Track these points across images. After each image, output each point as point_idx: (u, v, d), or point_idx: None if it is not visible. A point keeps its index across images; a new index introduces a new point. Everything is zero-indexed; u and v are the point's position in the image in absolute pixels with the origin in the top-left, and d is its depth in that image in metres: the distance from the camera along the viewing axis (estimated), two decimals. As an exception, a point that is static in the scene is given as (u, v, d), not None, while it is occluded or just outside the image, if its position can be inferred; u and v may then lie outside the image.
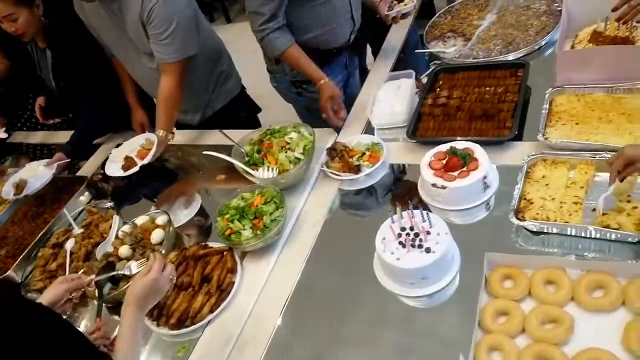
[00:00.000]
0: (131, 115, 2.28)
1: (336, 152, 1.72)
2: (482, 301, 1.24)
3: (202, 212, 1.95)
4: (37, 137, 2.76)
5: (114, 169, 1.98)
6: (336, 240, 1.60)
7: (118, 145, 2.22)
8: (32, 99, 2.56)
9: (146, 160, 1.92)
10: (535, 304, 1.20)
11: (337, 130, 1.95)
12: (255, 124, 2.44)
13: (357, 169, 1.68)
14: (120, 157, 2.00)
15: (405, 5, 2.00)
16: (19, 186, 2.13)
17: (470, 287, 1.28)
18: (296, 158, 1.71)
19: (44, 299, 1.38)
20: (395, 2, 2.00)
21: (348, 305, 1.40)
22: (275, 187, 1.67)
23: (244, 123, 2.30)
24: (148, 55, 2.00)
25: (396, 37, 2.32)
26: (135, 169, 1.92)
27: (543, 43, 1.94)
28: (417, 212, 1.37)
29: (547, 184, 1.42)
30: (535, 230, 1.34)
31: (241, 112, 2.39)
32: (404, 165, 1.77)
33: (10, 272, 1.83)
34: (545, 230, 1.32)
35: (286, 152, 1.73)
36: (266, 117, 2.48)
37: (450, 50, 2.04)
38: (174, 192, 1.99)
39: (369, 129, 1.92)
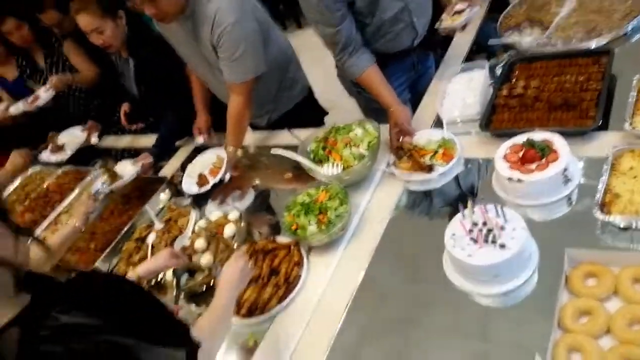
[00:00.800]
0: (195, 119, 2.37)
1: (404, 152, 1.68)
2: (562, 300, 1.15)
3: (270, 209, 2.01)
4: (123, 142, 2.96)
5: (189, 185, 2.08)
6: (403, 237, 1.57)
7: (187, 158, 2.35)
8: (117, 106, 2.76)
9: (217, 179, 2.00)
10: (622, 303, 1.10)
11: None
12: (321, 126, 2.45)
13: (429, 169, 1.63)
14: (194, 173, 2.10)
15: (454, 21, 1.85)
16: (111, 178, 2.29)
17: (549, 286, 1.20)
18: (360, 154, 1.69)
19: (151, 264, 1.52)
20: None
21: (416, 303, 1.37)
22: (339, 183, 1.67)
23: (310, 125, 2.33)
24: (219, 69, 2.07)
25: (468, 29, 2.24)
26: (208, 186, 2.01)
27: (629, 29, 1.78)
28: (490, 206, 1.31)
29: (635, 176, 1.30)
30: (622, 225, 1.23)
31: (307, 115, 2.40)
32: (476, 160, 1.70)
33: (97, 264, 1.98)
34: (634, 226, 1.21)
35: (350, 149, 1.72)
36: (334, 120, 2.48)
37: (526, 40, 1.94)
38: (229, 187, 2.06)
39: (437, 124, 1.86)
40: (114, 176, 2.26)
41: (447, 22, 1.83)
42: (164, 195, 2.26)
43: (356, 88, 2.18)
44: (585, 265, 1.18)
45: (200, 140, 2.30)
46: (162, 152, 2.44)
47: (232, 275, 1.34)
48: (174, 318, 1.06)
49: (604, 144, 1.45)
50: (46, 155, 2.97)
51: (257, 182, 2.15)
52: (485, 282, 1.26)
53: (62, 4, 2.60)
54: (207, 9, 1.86)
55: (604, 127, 1.51)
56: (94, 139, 2.86)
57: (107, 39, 2.20)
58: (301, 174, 1.99)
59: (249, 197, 2.05)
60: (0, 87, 3.07)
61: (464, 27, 1.88)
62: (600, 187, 1.30)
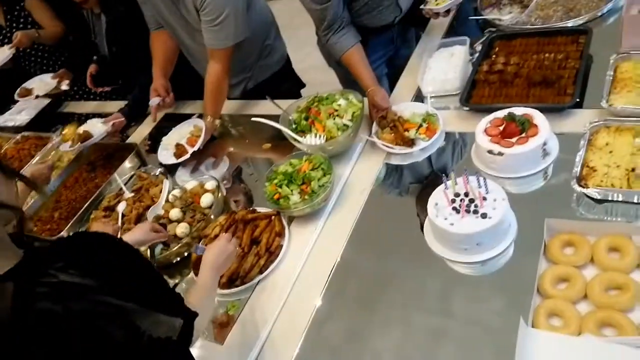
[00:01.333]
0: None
1: (387, 122, 1.68)
2: (541, 268, 1.20)
3: (247, 179, 1.99)
4: (88, 107, 2.83)
5: (166, 156, 2.01)
6: (384, 208, 1.59)
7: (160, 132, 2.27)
8: (85, 66, 2.63)
9: (196, 147, 1.94)
10: (598, 271, 1.15)
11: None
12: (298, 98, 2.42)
13: (411, 143, 1.64)
14: (171, 144, 2.03)
15: (438, 4, 1.83)
16: (80, 137, 2.21)
17: (527, 254, 1.24)
18: (344, 125, 1.68)
19: (130, 237, 1.46)
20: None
21: (398, 271, 1.39)
22: (322, 154, 1.65)
23: (287, 97, 2.29)
24: (200, 31, 1.99)
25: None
26: (187, 156, 1.95)
27: (606, 10, 1.84)
28: (472, 177, 1.33)
29: (610, 151, 1.35)
30: (599, 197, 1.27)
31: (284, 85, 2.36)
32: (456, 133, 1.72)
33: (63, 233, 1.90)
34: (610, 198, 1.26)
35: (334, 119, 1.70)
36: (311, 91, 2.45)
37: (506, 17, 1.96)
38: (203, 154, 2.03)
39: (417, 98, 1.87)
40: (83, 135, 2.18)
41: (431, 4, 1.82)
42: (129, 164, 2.19)
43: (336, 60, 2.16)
44: (563, 235, 1.23)
45: (155, 101, 2.19)
46: (134, 113, 2.35)
47: (218, 256, 1.32)
48: (169, 287, 1.03)
49: (581, 120, 1.49)
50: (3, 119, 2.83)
51: (231, 149, 2.11)
52: (467, 250, 1.29)
53: None
54: None
55: (580, 104, 1.56)
56: (64, 86, 2.73)
57: None
58: (279, 145, 1.98)
59: (223, 166, 2.02)
60: None
61: (447, 12, 1.87)
62: (578, 160, 1.34)
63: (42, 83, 2.75)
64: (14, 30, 2.72)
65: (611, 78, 1.52)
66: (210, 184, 1.83)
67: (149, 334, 0.92)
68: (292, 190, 1.59)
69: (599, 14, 1.83)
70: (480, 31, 2.03)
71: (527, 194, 1.43)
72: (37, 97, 2.72)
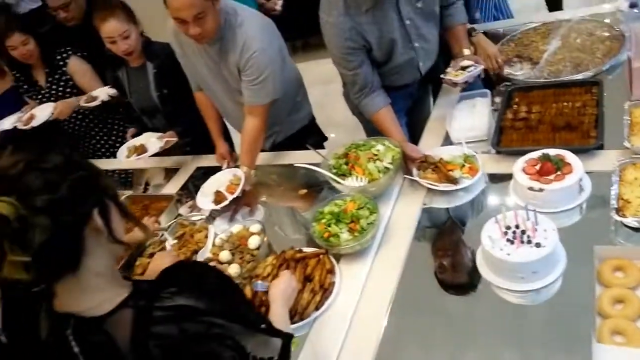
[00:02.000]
0: (215, 148, 2.40)
1: (428, 164, 1.80)
2: (596, 291, 1.29)
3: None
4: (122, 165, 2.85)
5: (205, 203, 2.08)
6: (434, 242, 1.67)
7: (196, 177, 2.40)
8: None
9: (235, 195, 2.02)
10: (650, 292, 1.25)
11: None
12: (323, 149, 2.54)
13: (456, 181, 1.74)
14: (210, 191, 2.10)
15: (463, 73, 1.93)
16: (137, 149, 2.33)
17: (580, 280, 1.33)
18: (385, 167, 1.80)
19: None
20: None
21: (455, 303, 1.46)
22: (365, 195, 1.75)
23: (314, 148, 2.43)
24: (239, 91, 2.14)
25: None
26: (226, 202, 2.02)
27: (609, 65, 2.05)
28: (520, 211, 1.44)
29: (640, 185, 1.49)
30: (637, 226, 1.39)
31: (310, 139, 2.49)
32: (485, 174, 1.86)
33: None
34: (646, 226, 1.38)
35: (375, 163, 1.82)
36: (331, 146, 2.59)
37: (518, 72, 2.16)
38: (239, 204, 2.09)
39: (445, 144, 2.02)
40: (141, 149, 2.32)
41: (450, 75, 1.97)
42: (170, 214, 2.24)
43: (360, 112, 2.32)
44: (611, 261, 1.33)
45: (225, 165, 2.31)
46: (187, 134, 2.45)
47: (285, 290, 1.39)
48: (260, 312, 1.08)
49: (605, 159, 1.64)
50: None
51: (263, 198, 2.19)
52: (523, 278, 1.37)
53: None
54: (237, 35, 1.96)
55: (602, 146, 1.71)
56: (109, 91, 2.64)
57: (132, 43, 2.25)
58: (312, 192, 2.09)
59: (258, 214, 2.09)
60: None
61: (465, 82, 1.99)
62: (614, 194, 1.47)
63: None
64: (53, 92, 2.80)
65: (629, 122, 1.69)
66: (254, 227, 1.89)
67: (254, 354, 0.97)
68: (340, 229, 1.67)
69: (604, 68, 2.04)
70: (489, 85, 2.22)
71: (567, 226, 1.54)
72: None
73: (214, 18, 1.90)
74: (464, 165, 1.77)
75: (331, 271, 1.63)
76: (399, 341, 1.41)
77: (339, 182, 1.81)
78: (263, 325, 1.01)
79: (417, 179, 1.81)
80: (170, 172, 2.58)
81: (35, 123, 2.65)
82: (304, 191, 2.11)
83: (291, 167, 2.29)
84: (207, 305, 0.91)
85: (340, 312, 1.52)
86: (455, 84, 2.01)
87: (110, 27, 2.19)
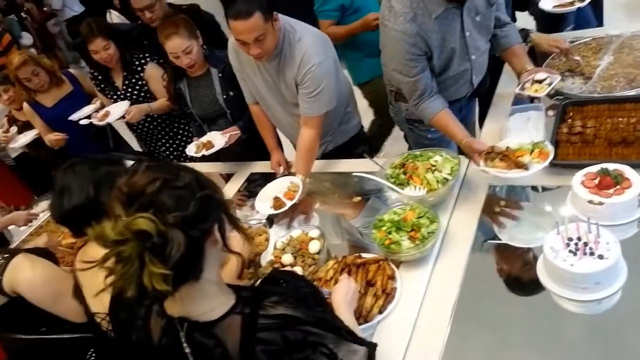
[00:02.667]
0: (271, 156, 2.52)
1: (495, 154, 1.82)
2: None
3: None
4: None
5: (264, 208, 2.17)
6: (493, 251, 1.73)
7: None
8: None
9: (294, 201, 2.11)
10: None
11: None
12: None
13: (525, 167, 1.75)
14: (268, 197, 2.19)
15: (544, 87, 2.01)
16: (205, 145, 2.49)
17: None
18: (444, 178, 1.86)
19: None
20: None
21: (517, 311, 1.51)
22: (424, 204, 1.82)
23: (360, 157, 2.51)
24: (294, 104, 2.24)
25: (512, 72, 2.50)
26: (285, 208, 2.11)
27: (662, 81, 2.08)
28: (582, 224, 1.49)
29: (702, 201, 1.52)
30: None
31: (359, 148, 2.58)
32: (539, 187, 1.90)
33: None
34: None
35: (433, 173, 1.88)
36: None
37: (574, 87, 2.20)
38: (295, 211, 2.18)
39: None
40: (208, 145, 2.48)
41: (530, 91, 2.03)
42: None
43: (409, 125, 2.39)
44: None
45: (280, 172, 2.42)
46: (248, 129, 2.56)
47: (347, 294, 1.45)
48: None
49: (662, 175, 1.68)
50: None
51: (317, 205, 2.27)
52: (585, 289, 1.42)
53: None
54: (295, 50, 2.07)
55: (659, 161, 1.74)
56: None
57: (194, 57, 2.38)
58: (362, 200, 2.18)
59: (314, 221, 2.17)
60: (35, 113, 3.12)
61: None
62: (674, 208, 1.51)
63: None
64: (128, 94, 2.95)
65: (688, 139, 1.72)
66: (313, 232, 1.97)
67: None
68: (401, 237, 1.73)
69: (658, 84, 2.07)
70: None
71: (626, 239, 1.57)
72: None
73: (273, 38, 2.02)
74: (533, 151, 1.80)
75: (392, 277, 1.70)
76: (463, 349, 1.47)
77: (397, 191, 1.88)
78: (347, 333, 1.08)
79: (485, 168, 1.82)
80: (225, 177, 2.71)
81: (110, 119, 2.83)
82: (358, 198, 2.19)
83: (343, 175, 2.38)
84: (304, 315, 1.00)
85: (403, 317, 1.59)
86: (538, 99, 2.07)
87: (174, 45, 2.32)
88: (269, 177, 2.50)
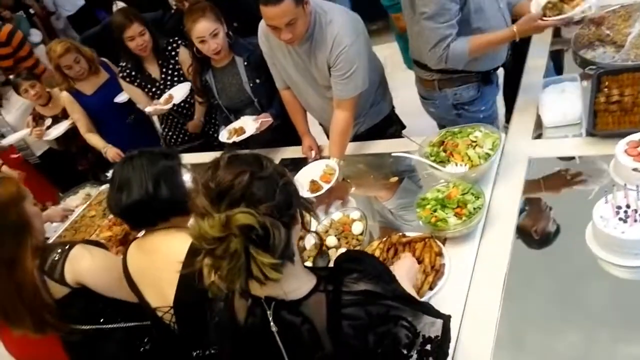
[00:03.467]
0: (302, 141, 2.53)
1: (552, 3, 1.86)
2: None
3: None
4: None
5: (301, 191, 2.18)
6: (538, 223, 1.75)
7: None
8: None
9: (331, 184, 2.13)
10: None
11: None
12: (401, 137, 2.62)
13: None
14: (304, 181, 2.19)
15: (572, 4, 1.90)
16: (237, 131, 2.52)
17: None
18: (486, 153, 1.87)
19: None
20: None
21: (568, 281, 1.53)
22: (467, 181, 1.83)
23: (394, 137, 2.53)
24: (326, 87, 2.24)
25: (539, 52, 2.49)
26: (322, 191, 2.12)
27: (695, 46, 2.06)
28: (630, 192, 1.50)
29: None
30: None
31: (391, 128, 2.59)
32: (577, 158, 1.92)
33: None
34: None
35: (474, 149, 1.89)
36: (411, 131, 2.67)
37: (606, 56, 2.19)
38: (331, 197, 2.19)
39: (536, 129, 2.07)
40: (240, 130, 2.51)
41: (552, 13, 1.91)
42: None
43: (457, 110, 2.33)
44: None
45: (312, 155, 2.45)
46: (280, 116, 2.57)
47: (409, 271, 1.49)
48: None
49: None
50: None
51: (353, 189, 2.29)
52: (637, 255, 1.44)
53: None
54: (327, 32, 2.06)
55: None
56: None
57: (220, 41, 2.39)
58: (398, 180, 2.21)
59: (351, 206, 2.18)
60: (76, 101, 3.13)
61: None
62: None
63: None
64: (168, 82, 2.95)
65: None
66: (355, 214, 2.00)
67: (423, 334, 1.07)
68: (447, 214, 1.75)
69: (692, 49, 2.06)
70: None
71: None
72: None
73: (304, 22, 2.02)
74: None
75: (440, 254, 1.72)
76: (518, 321, 1.50)
77: (439, 169, 1.90)
78: (422, 306, 1.10)
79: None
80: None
81: (175, 100, 2.82)
82: (395, 178, 2.21)
83: (378, 156, 2.39)
84: (384, 290, 1.03)
85: (454, 293, 1.61)
86: (572, 19, 1.97)
87: (202, 27, 2.33)
88: (299, 163, 2.52)
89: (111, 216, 2.76)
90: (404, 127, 2.68)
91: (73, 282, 1.63)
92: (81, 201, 3.14)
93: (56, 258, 1.63)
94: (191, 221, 1.03)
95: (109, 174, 3.13)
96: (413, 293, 1.40)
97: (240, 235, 0.89)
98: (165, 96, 2.90)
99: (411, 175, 2.27)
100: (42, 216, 2.73)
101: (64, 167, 3.74)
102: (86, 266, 1.64)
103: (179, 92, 2.84)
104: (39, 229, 1.75)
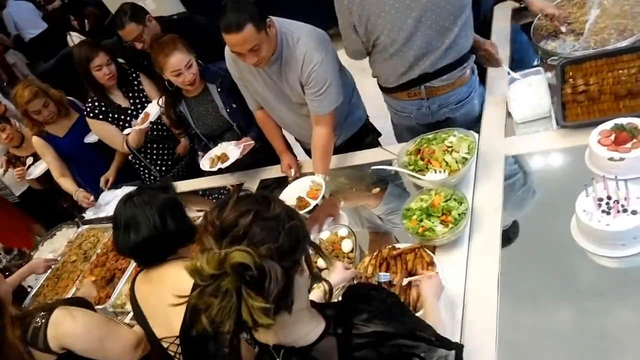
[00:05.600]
0: (281, 160, 2.52)
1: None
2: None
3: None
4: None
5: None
6: (522, 221, 1.78)
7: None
8: None
9: (318, 200, 2.12)
10: None
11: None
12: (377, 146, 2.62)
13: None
14: (291, 198, 2.19)
15: None
16: (220, 158, 2.48)
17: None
18: (463, 158, 1.89)
19: None
20: None
21: (558, 273, 1.56)
22: (449, 187, 1.85)
23: (371, 147, 2.53)
24: (300, 104, 2.24)
25: (501, 37, 2.54)
26: (310, 207, 2.12)
27: (653, 28, 2.12)
28: (610, 182, 1.53)
29: None
30: None
31: (368, 137, 2.60)
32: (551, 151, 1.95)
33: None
34: None
35: (451, 154, 1.91)
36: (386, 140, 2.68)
37: (566, 45, 2.24)
38: (322, 215, 2.18)
39: (508, 125, 2.10)
40: (223, 157, 2.47)
41: None
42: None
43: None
44: None
45: (292, 174, 2.43)
46: (260, 137, 2.55)
47: (436, 290, 1.49)
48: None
49: (674, 121, 1.73)
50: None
51: (342, 203, 2.28)
52: (624, 245, 1.47)
53: (136, 15, 2.72)
54: (296, 51, 2.05)
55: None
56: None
57: (195, 71, 2.37)
58: (380, 190, 2.21)
59: (343, 221, 2.16)
60: (49, 145, 3.05)
61: None
62: (693, 153, 1.56)
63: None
64: (139, 111, 2.87)
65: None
66: (342, 231, 2.00)
67: None
68: (433, 222, 1.77)
69: (649, 32, 2.11)
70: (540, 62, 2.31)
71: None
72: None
73: (269, 46, 2.01)
74: None
75: (431, 263, 1.73)
76: (516, 320, 1.52)
77: (419, 178, 1.91)
78: (436, 339, 1.09)
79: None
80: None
81: (152, 118, 2.72)
82: (377, 189, 2.21)
83: (358, 168, 2.39)
84: (395, 328, 1.02)
85: (451, 299, 1.62)
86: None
87: (176, 60, 2.29)
88: (283, 182, 2.51)
89: (93, 258, 2.70)
90: (379, 134, 2.68)
91: (58, 348, 1.58)
92: (59, 244, 3.07)
93: (38, 325, 1.58)
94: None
95: (86, 215, 3.13)
96: (440, 311, 1.41)
97: (234, 274, 0.87)
98: (141, 116, 2.82)
99: (395, 181, 2.28)
100: (26, 268, 2.65)
101: (46, 204, 3.65)
102: (69, 331, 1.59)
103: (153, 109, 2.77)
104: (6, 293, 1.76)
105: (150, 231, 1.51)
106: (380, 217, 2.21)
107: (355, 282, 1.71)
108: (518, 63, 2.39)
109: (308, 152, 2.67)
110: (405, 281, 1.65)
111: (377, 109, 2.70)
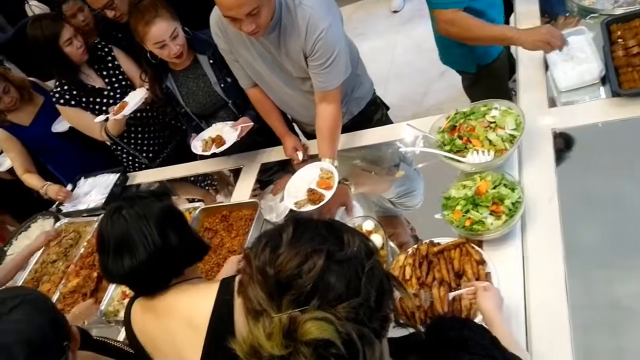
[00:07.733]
0: (283, 143, 2.22)
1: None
2: None
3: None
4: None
5: (301, 205, 1.86)
6: (580, 205, 1.56)
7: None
8: None
9: (333, 190, 1.83)
10: None
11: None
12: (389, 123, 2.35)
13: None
14: (299, 191, 1.90)
15: None
16: (214, 141, 2.17)
17: None
18: (510, 135, 1.63)
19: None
20: None
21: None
22: (494, 170, 1.61)
23: (381, 124, 2.27)
24: (302, 79, 1.93)
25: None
26: (326, 200, 1.82)
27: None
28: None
29: None
30: None
31: (377, 113, 2.32)
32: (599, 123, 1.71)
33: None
34: None
35: (494, 131, 1.66)
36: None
37: (603, 1, 1.98)
38: (333, 205, 1.91)
39: (550, 99, 1.85)
40: (218, 140, 2.17)
41: None
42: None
43: None
44: None
45: (300, 157, 2.14)
46: (260, 118, 2.23)
47: (499, 303, 1.28)
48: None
49: None
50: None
51: (352, 190, 2.02)
52: None
53: None
54: (297, 16, 1.73)
55: None
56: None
57: (182, 41, 2.03)
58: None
59: (356, 212, 1.93)
60: (12, 137, 2.65)
61: None
62: None
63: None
64: (118, 92, 2.53)
65: None
66: (368, 224, 1.75)
67: None
68: (482, 213, 1.53)
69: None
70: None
71: None
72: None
73: (268, 9, 1.67)
74: None
75: (481, 261, 1.50)
76: (594, 324, 1.32)
77: (459, 161, 1.65)
78: None
79: None
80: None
81: (127, 112, 2.31)
82: (402, 173, 1.96)
83: (372, 147, 2.13)
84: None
85: (511, 304, 1.40)
86: None
87: (159, 30, 1.94)
88: (286, 165, 2.24)
89: (76, 258, 2.39)
90: (387, 107, 2.40)
91: None
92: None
93: None
94: (238, 310, 0.72)
95: (63, 207, 2.78)
96: (506, 326, 1.22)
97: (312, 356, 0.61)
98: (119, 104, 2.41)
99: (406, 162, 2.04)
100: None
101: (19, 195, 3.26)
102: None
103: (133, 99, 2.37)
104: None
105: (149, 251, 1.19)
106: (391, 201, 1.97)
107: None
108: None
109: (308, 135, 2.37)
110: (450, 296, 1.42)
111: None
